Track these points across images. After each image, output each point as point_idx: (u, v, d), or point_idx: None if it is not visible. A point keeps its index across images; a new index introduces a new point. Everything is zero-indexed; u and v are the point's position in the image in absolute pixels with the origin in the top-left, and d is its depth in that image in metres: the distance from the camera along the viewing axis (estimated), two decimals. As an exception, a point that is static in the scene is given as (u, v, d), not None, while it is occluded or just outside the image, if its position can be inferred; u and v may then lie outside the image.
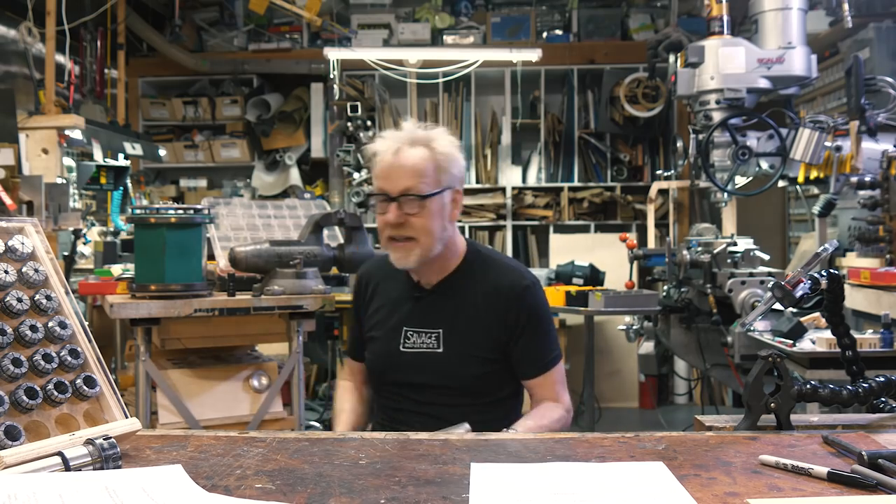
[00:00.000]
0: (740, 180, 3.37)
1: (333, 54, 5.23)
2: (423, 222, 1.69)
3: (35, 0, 4.04)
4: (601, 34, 6.00)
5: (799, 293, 1.40)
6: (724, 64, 3.14)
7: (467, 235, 4.77)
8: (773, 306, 1.51)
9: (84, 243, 4.16)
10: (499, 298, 1.74)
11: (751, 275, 2.95)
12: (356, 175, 5.91)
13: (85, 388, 1.01)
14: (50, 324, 1.01)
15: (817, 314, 2.40)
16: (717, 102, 3.18)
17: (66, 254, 3.89)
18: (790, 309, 1.88)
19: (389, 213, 1.69)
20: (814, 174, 3.14)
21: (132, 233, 3.22)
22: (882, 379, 1.21)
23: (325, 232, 2.95)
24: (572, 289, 3.87)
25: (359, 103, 5.75)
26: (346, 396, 1.93)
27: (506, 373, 1.78)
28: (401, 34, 5.97)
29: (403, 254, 1.71)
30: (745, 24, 3.79)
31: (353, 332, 1.94)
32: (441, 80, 5.60)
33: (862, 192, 2.74)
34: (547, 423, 1.68)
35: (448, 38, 5.95)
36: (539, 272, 4.79)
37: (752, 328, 2.55)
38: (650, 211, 4.72)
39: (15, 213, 3.29)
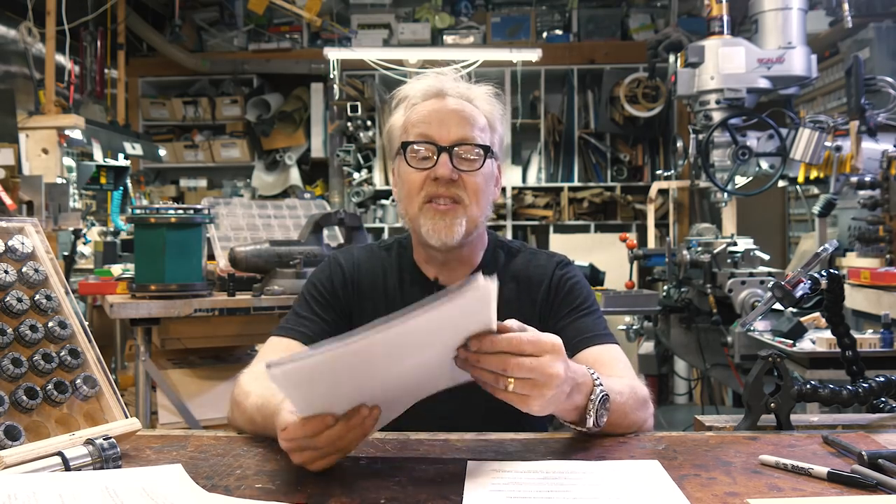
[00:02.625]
0: (740, 180, 3.37)
1: (333, 54, 5.23)
2: (476, 182, 1.36)
3: (35, 0, 4.05)
4: (601, 34, 6.00)
5: (799, 293, 1.40)
6: (724, 64, 3.15)
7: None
8: (773, 306, 1.51)
9: (84, 243, 4.16)
10: (532, 280, 1.47)
11: (751, 275, 2.95)
12: (356, 175, 5.92)
13: (85, 388, 1.01)
14: (50, 324, 1.01)
15: (817, 314, 2.40)
16: (717, 102, 3.18)
17: (66, 254, 3.89)
18: (790, 309, 1.88)
19: (440, 165, 1.34)
20: (814, 174, 3.14)
21: (132, 233, 3.22)
22: (882, 379, 1.21)
23: (325, 232, 2.95)
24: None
25: (359, 103, 5.77)
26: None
27: None
28: (401, 34, 5.97)
29: (448, 219, 1.35)
30: (745, 24, 3.78)
31: (311, 316, 1.41)
32: (441, 80, 5.60)
33: (862, 192, 2.74)
34: (628, 384, 1.24)
35: (448, 38, 5.96)
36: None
37: (752, 328, 2.54)
38: (650, 211, 4.71)
39: (15, 213, 3.29)
